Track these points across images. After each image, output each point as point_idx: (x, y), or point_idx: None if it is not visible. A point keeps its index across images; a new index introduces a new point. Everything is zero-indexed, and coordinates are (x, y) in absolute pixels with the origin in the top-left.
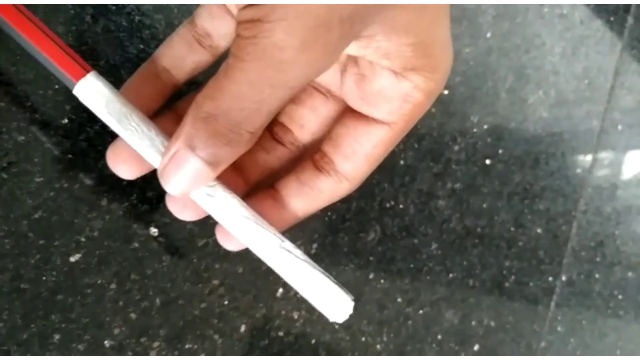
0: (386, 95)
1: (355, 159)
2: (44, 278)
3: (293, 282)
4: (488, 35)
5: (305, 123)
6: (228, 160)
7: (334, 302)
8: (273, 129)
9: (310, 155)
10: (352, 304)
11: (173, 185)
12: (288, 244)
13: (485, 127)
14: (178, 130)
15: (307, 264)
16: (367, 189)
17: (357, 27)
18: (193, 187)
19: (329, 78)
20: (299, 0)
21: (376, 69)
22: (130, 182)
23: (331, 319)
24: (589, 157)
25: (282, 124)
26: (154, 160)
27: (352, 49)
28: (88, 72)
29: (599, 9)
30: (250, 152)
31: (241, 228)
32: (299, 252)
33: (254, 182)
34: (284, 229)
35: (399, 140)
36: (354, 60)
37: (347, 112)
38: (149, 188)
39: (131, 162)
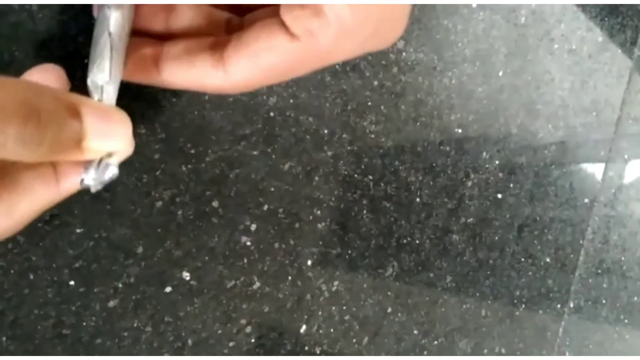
0: (303, 1)
1: (245, 54)
2: (84, 323)
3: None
4: (500, 73)
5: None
6: None
7: None
8: (231, 20)
9: (217, 36)
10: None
11: None
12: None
13: (497, 162)
14: None
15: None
16: (386, 227)
17: None
18: None
19: None
20: None
21: None
22: (165, 229)
23: None
24: (596, 187)
25: (242, 22)
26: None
27: None
28: None
29: (607, 42)
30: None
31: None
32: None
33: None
34: (142, 82)
35: (299, 68)
36: None
37: (276, 12)
38: (182, 234)
39: None
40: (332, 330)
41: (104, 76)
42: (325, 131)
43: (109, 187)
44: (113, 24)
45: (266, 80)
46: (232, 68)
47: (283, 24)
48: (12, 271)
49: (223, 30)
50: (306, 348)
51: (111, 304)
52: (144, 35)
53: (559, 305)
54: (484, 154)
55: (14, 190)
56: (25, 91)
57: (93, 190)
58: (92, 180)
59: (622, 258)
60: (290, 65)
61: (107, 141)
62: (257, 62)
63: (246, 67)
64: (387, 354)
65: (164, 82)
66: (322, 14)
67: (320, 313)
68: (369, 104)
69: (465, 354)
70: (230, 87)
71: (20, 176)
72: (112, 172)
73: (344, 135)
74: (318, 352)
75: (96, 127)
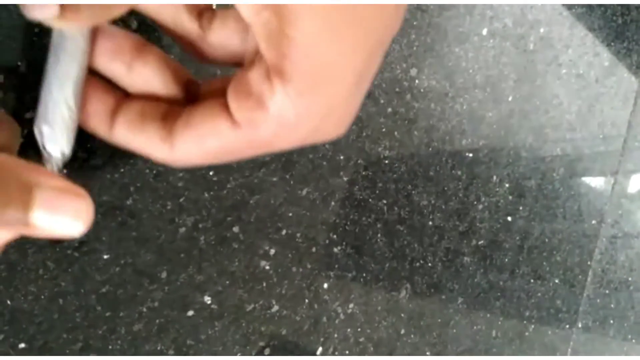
0: (247, 89)
1: (190, 135)
2: (110, 347)
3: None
4: (510, 99)
5: (224, 33)
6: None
7: None
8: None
9: (173, 106)
10: None
11: (29, 11)
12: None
13: (507, 185)
14: None
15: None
16: (399, 250)
17: None
18: (45, 19)
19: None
20: None
21: (259, 59)
22: (187, 254)
23: None
24: (604, 208)
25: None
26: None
27: (247, 11)
28: None
29: (613, 67)
30: (164, 61)
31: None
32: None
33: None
34: (90, 132)
35: (239, 155)
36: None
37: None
38: (204, 259)
39: None
40: (347, 352)
41: (59, 148)
42: (341, 157)
43: (134, 214)
44: (72, 56)
45: (206, 162)
46: (177, 145)
47: (228, 108)
48: (42, 297)
49: (181, 92)
50: None
51: (136, 327)
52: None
53: (567, 326)
54: (494, 177)
55: None
56: None
57: None
58: None
59: (629, 278)
60: (230, 151)
61: (56, 225)
62: (201, 145)
63: (190, 148)
64: None
65: (112, 140)
66: (264, 107)
67: (336, 335)
68: (383, 130)
69: None
70: (173, 162)
71: None
72: None
73: (359, 161)
74: None
75: (48, 203)
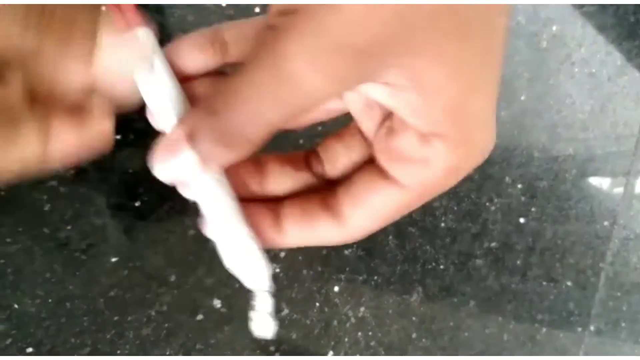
0: (407, 156)
1: (361, 210)
2: (118, 351)
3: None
4: (523, 97)
5: (339, 161)
6: (221, 160)
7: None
8: (309, 155)
9: (320, 192)
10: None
11: (159, 169)
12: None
13: (519, 186)
14: (184, 118)
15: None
16: (411, 252)
17: (373, 65)
18: (179, 178)
19: (369, 126)
20: (323, 15)
21: (406, 126)
22: (197, 257)
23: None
24: (616, 210)
25: (318, 155)
26: (167, 127)
27: (382, 95)
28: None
29: (625, 66)
30: (279, 163)
31: (225, 227)
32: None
33: (269, 193)
34: (268, 247)
35: (412, 208)
36: (391, 113)
37: (372, 163)
38: (213, 262)
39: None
40: (358, 356)
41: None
42: None
43: (143, 216)
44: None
45: (380, 227)
46: (351, 224)
47: (389, 177)
48: (49, 300)
49: (310, 177)
50: None
51: (144, 332)
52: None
53: (579, 329)
54: (507, 178)
55: (10, 130)
56: None
57: None
58: None
59: None
60: (403, 211)
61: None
62: (374, 215)
63: (364, 222)
64: None
65: (289, 244)
66: (430, 165)
67: (346, 339)
68: None
69: None
70: (349, 240)
71: (18, 121)
72: None
73: None
74: None
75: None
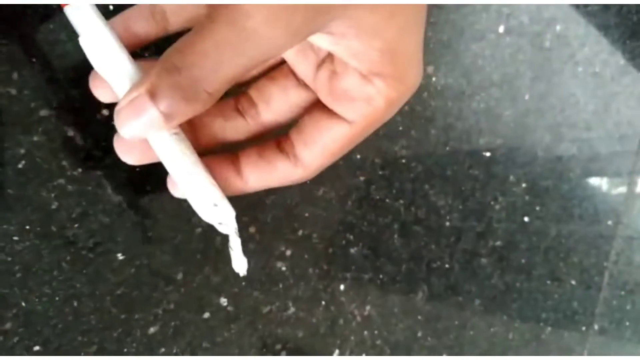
0: (351, 95)
1: (313, 148)
2: (125, 350)
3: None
4: (526, 97)
5: (273, 101)
6: (183, 115)
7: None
8: (239, 99)
9: (275, 136)
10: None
11: (126, 128)
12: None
13: (524, 185)
14: (144, 77)
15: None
16: (416, 251)
17: (320, 18)
18: (144, 134)
19: (304, 69)
20: None
21: (347, 68)
22: (204, 255)
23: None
24: (619, 209)
25: (250, 97)
26: (121, 92)
27: (325, 43)
28: None
29: (628, 65)
30: (208, 116)
31: (188, 179)
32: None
33: (204, 146)
34: (230, 195)
35: (358, 141)
36: (331, 57)
37: (316, 104)
38: (220, 260)
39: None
40: (364, 355)
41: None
42: (358, 156)
43: (150, 214)
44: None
45: (332, 161)
46: (306, 163)
47: (335, 115)
48: (57, 298)
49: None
50: None
51: (151, 330)
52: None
53: (583, 328)
54: (511, 177)
55: None
56: None
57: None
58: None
59: None
60: (353, 142)
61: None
62: (326, 152)
63: (318, 159)
64: None
65: (250, 189)
66: (373, 102)
67: (352, 338)
68: (400, 129)
69: None
70: (307, 177)
71: None
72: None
73: (376, 160)
74: None
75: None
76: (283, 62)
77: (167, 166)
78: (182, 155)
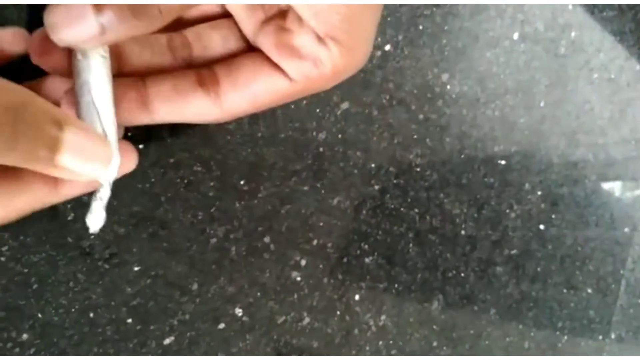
0: (301, 52)
1: (243, 92)
2: None
3: None
4: (542, 104)
5: (211, 47)
6: (124, 32)
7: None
8: (172, 37)
9: (195, 70)
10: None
11: (58, 32)
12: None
13: (539, 193)
14: None
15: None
16: (431, 260)
17: None
18: (76, 44)
19: (249, 23)
20: None
21: (302, 26)
22: (219, 265)
23: None
24: (636, 215)
25: (185, 38)
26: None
27: None
28: None
29: None
30: (137, 44)
31: (87, 110)
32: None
33: (125, 75)
34: (133, 124)
35: (288, 100)
36: (283, 14)
37: (257, 53)
38: (235, 270)
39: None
40: None
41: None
42: (373, 165)
43: (165, 225)
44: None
45: (255, 111)
46: (228, 103)
47: (277, 68)
48: (73, 309)
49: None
50: None
51: (167, 341)
52: None
53: (600, 336)
54: (527, 185)
55: (14, 184)
56: (12, 95)
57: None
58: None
59: None
60: (283, 100)
61: (83, 164)
62: (254, 99)
63: (242, 103)
64: None
65: (158, 121)
66: (322, 65)
67: (367, 348)
68: (415, 137)
69: None
70: (225, 119)
71: (22, 172)
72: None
73: (390, 169)
74: None
75: (75, 145)
76: (229, 16)
77: (80, 84)
78: (103, 80)
